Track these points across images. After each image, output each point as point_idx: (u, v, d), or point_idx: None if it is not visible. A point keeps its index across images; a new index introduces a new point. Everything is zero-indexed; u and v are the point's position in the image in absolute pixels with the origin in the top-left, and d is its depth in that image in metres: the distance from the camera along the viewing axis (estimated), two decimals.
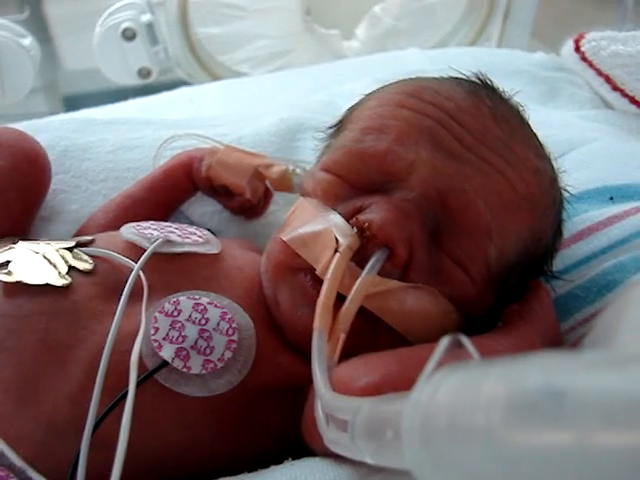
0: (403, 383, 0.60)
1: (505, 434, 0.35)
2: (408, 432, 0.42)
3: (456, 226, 0.81)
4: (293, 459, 0.74)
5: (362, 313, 0.76)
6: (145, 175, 1.16)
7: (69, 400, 0.72)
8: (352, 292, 0.74)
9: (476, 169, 0.81)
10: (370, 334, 0.79)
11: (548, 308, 0.87)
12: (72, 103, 2.11)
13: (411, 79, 0.95)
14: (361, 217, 0.78)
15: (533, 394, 0.35)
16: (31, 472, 0.68)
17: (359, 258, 0.76)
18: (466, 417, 0.37)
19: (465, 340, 0.45)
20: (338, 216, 0.81)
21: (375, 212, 0.78)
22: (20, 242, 0.87)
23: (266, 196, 1.15)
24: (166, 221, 1.10)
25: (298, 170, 1.08)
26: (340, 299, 0.74)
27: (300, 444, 0.78)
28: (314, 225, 0.82)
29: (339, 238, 0.77)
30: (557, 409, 0.33)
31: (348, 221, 0.79)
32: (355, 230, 0.77)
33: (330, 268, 0.74)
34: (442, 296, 0.81)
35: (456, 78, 0.93)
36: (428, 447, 0.40)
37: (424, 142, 0.81)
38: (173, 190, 1.15)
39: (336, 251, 0.76)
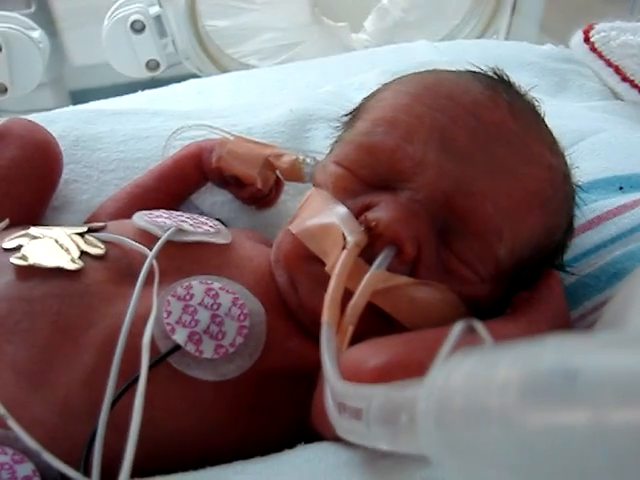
0: (411, 364, 0.61)
1: (520, 415, 0.35)
2: (423, 416, 0.42)
3: (464, 228, 0.81)
4: (305, 444, 0.74)
5: (371, 312, 0.77)
6: (155, 165, 1.17)
7: (82, 383, 0.73)
8: (360, 286, 0.74)
9: (485, 170, 0.81)
10: (380, 332, 0.79)
11: (558, 295, 0.87)
12: (79, 98, 2.11)
13: (428, 71, 0.95)
14: (369, 215, 0.79)
15: (547, 374, 0.35)
16: (46, 455, 0.68)
17: (367, 255, 0.77)
18: (481, 399, 0.38)
19: (478, 325, 0.46)
20: (346, 211, 0.81)
21: (383, 211, 0.79)
22: (32, 227, 0.87)
23: (277, 186, 1.16)
24: (176, 211, 1.11)
25: (308, 160, 1.08)
26: (349, 294, 0.75)
27: (311, 430, 0.78)
28: (321, 218, 0.83)
29: (347, 235, 0.78)
30: (571, 388, 0.33)
31: (357, 218, 0.80)
32: (363, 227, 0.78)
33: (337, 264, 0.75)
34: (451, 292, 0.81)
35: (473, 72, 0.92)
36: (443, 430, 0.40)
37: (433, 142, 0.81)
38: (183, 180, 1.15)
39: (344, 248, 0.77)
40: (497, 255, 0.82)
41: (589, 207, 1.02)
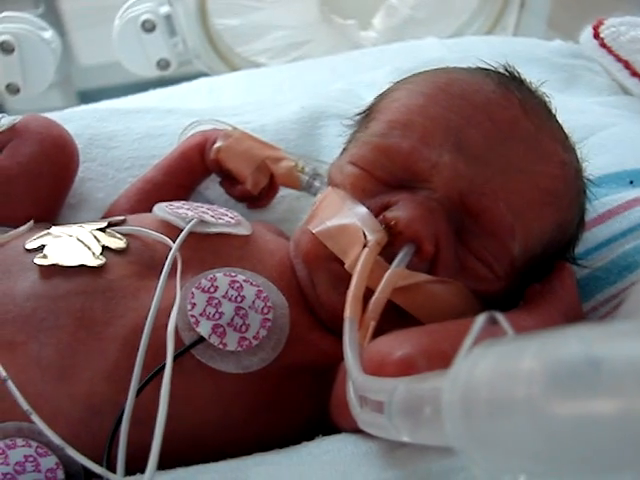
0: (436, 354, 0.62)
1: (547, 404, 0.35)
2: (448, 407, 0.42)
3: (479, 227, 0.83)
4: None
5: (389, 310, 0.78)
6: (163, 158, 1.18)
7: (105, 377, 0.74)
8: (382, 283, 0.76)
9: (498, 170, 0.82)
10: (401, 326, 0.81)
11: (570, 288, 0.88)
12: (87, 98, 2.12)
13: (441, 69, 0.95)
14: (388, 214, 0.80)
15: (573, 364, 0.35)
16: (70, 450, 0.69)
17: (387, 254, 0.78)
18: (507, 389, 0.38)
19: (500, 317, 0.46)
20: (366, 210, 0.82)
21: (402, 210, 0.80)
22: (54, 227, 0.88)
23: (270, 190, 1.15)
24: (186, 201, 1.12)
25: (307, 169, 1.08)
26: (369, 293, 0.76)
27: (329, 425, 0.79)
28: (342, 218, 0.84)
29: (367, 234, 0.79)
30: (597, 378, 0.34)
31: (376, 217, 0.81)
32: (383, 226, 0.79)
33: (359, 262, 0.76)
34: (468, 289, 0.83)
35: (485, 69, 0.93)
36: (469, 421, 0.41)
37: (448, 144, 0.83)
38: (190, 171, 1.16)
39: (364, 246, 0.78)
40: (511, 253, 0.84)
41: (600, 201, 1.03)
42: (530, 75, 0.95)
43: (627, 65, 1.44)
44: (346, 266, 0.80)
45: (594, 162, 0.98)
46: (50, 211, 1.10)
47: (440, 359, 0.50)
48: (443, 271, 0.81)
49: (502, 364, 0.40)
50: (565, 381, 0.35)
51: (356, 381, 0.62)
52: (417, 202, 0.80)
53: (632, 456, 0.33)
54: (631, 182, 1.07)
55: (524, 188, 0.83)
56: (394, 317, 0.79)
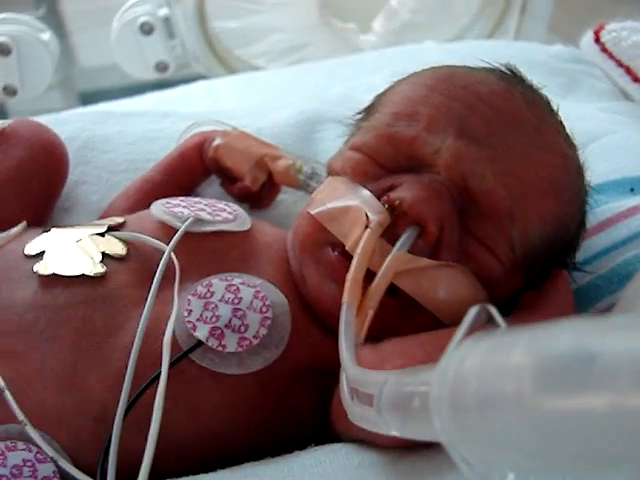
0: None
1: (536, 399, 0.35)
2: (436, 401, 0.42)
3: (479, 209, 0.82)
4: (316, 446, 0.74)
5: (394, 293, 0.77)
6: (162, 158, 1.17)
7: (108, 386, 0.74)
8: (382, 268, 0.74)
9: (499, 154, 0.82)
10: (402, 315, 0.79)
11: (565, 296, 0.87)
12: (88, 99, 2.12)
13: (442, 66, 0.95)
14: (392, 195, 0.78)
15: (563, 357, 0.34)
16: (62, 462, 0.69)
17: (389, 236, 0.77)
18: (496, 383, 0.37)
19: (492, 309, 0.45)
20: (368, 192, 0.81)
21: (406, 190, 0.79)
22: (54, 229, 0.87)
23: (272, 188, 1.14)
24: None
25: (305, 168, 1.07)
26: (370, 277, 0.74)
27: (326, 432, 0.78)
28: (343, 200, 0.82)
29: (369, 214, 0.77)
30: (588, 372, 0.33)
31: (379, 199, 0.79)
32: (386, 207, 0.78)
33: (360, 243, 0.75)
34: (472, 275, 0.81)
35: (486, 68, 0.93)
36: (457, 416, 0.40)
37: (451, 129, 0.82)
38: (189, 172, 1.15)
39: (366, 227, 0.76)
40: (511, 236, 0.82)
41: (600, 209, 1.02)
42: (531, 80, 0.94)
43: (628, 70, 1.43)
44: (347, 247, 0.78)
45: (594, 169, 0.97)
46: (41, 216, 1.09)
47: None
48: (447, 254, 0.79)
49: (491, 358, 0.39)
50: (555, 376, 0.34)
51: (349, 372, 0.60)
52: (422, 183, 0.79)
53: (624, 453, 0.32)
54: (632, 189, 1.06)
55: (524, 174, 0.82)
56: (396, 304, 0.78)
